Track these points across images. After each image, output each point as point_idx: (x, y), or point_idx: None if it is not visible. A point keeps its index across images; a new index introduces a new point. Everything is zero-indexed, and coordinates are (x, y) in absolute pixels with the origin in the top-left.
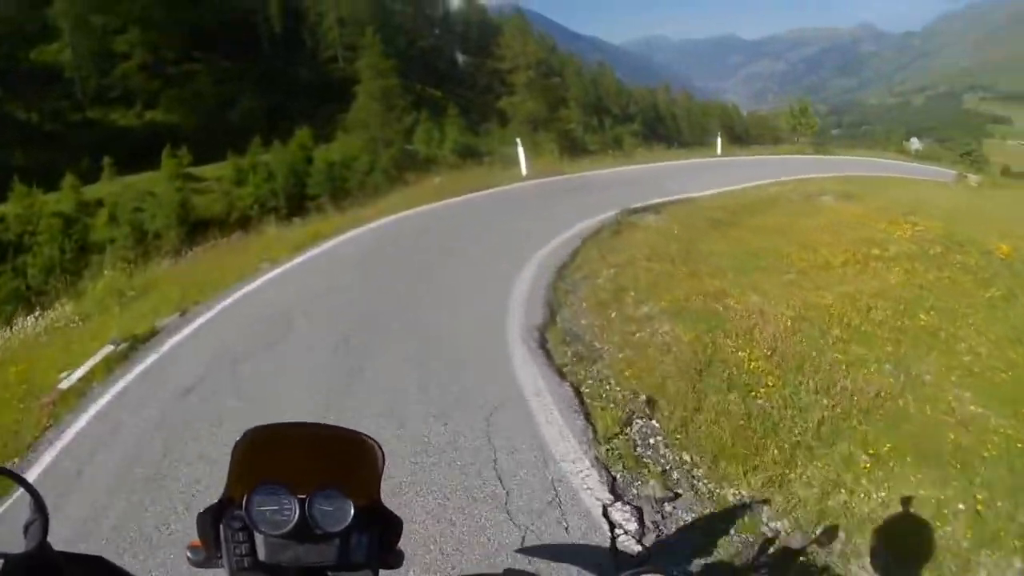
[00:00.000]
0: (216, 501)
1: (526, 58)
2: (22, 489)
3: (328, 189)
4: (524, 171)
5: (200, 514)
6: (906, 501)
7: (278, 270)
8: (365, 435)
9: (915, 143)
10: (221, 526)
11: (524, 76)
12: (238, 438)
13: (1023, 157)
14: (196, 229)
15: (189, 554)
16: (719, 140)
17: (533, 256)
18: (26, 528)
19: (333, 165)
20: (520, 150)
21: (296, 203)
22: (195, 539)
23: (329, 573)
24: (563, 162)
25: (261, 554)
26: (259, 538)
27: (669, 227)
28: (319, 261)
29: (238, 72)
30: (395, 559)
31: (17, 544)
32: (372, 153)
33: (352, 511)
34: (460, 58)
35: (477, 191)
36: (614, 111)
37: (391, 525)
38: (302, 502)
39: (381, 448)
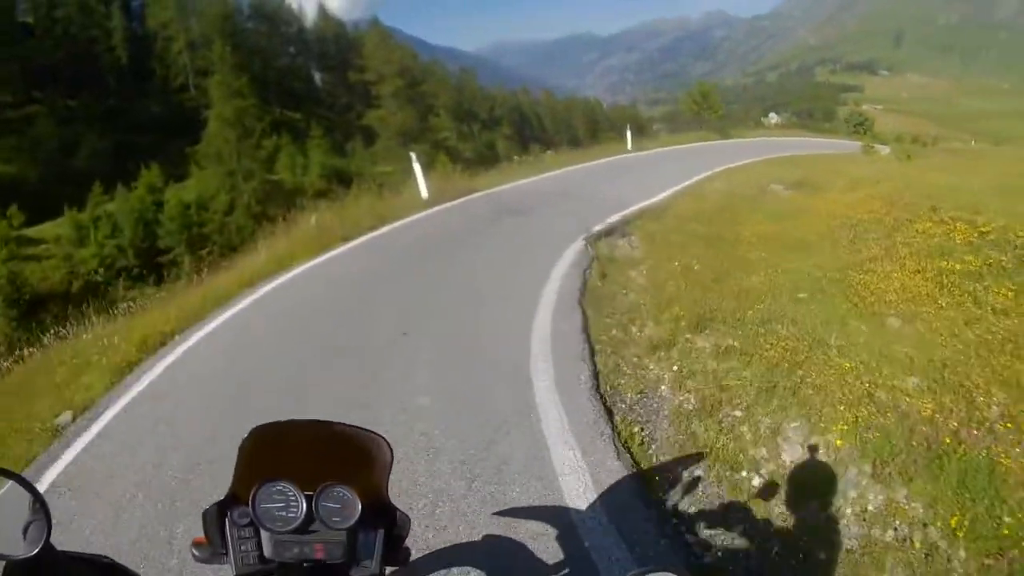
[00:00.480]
0: (222, 498)
1: (391, 67)
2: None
3: (183, 239)
4: (424, 194)
5: (206, 510)
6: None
7: (69, 452)
8: (374, 432)
9: (773, 117)
10: (227, 522)
11: (391, 86)
12: (243, 437)
13: (872, 118)
14: (34, 309)
15: (194, 551)
16: (629, 135)
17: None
18: (25, 530)
19: (188, 208)
20: (417, 168)
21: (149, 259)
22: (200, 536)
23: (336, 571)
24: (464, 177)
25: (267, 551)
26: (265, 535)
27: (660, 257)
28: (139, 424)
29: (83, 110)
30: (402, 556)
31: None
32: (232, 189)
33: (359, 508)
34: (318, 76)
35: (373, 230)
36: (481, 116)
37: (398, 523)
38: (309, 499)
39: (390, 445)
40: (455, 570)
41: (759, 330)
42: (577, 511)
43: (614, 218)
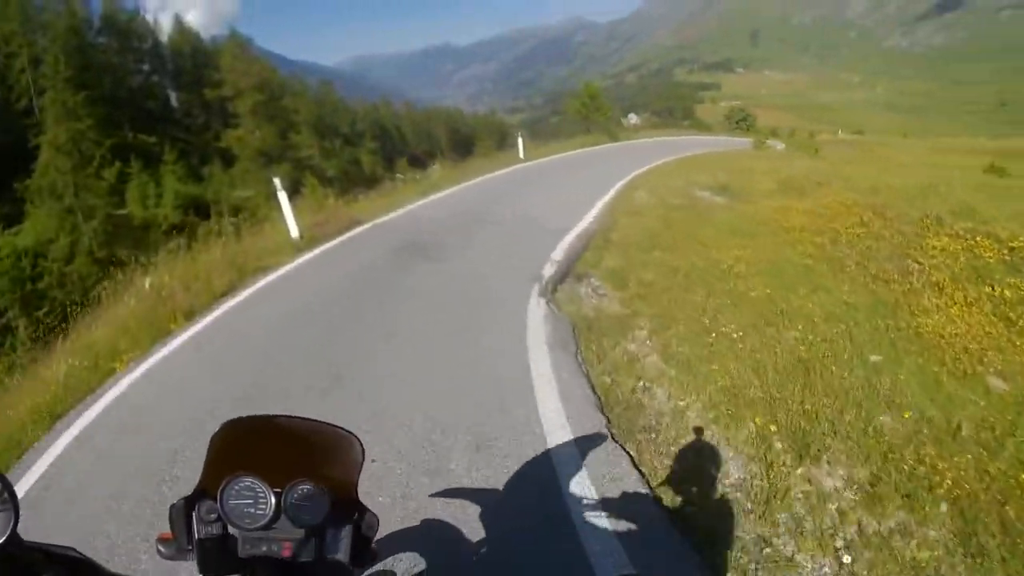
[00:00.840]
0: (189, 493)
1: (249, 80)
2: None
3: (16, 299)
4: (295, 232)
5: (172, 505)
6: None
7: None
8: (345, 430)
9: (632, 118)
10: (194, 518)
11: (250, 100)
12: (215, 431)
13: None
14: None
15: (159, 547)
16: (521, 143)
17: None
18: None
19: (22, 257)
20: (283, 198)
21: None
22: (165, 531)
23: (304, 569)
24: (341, 203)
25: (234, 548)
26: (233, 532)
27: (651, 311)
28: None
29: None
30: (369, 556)
31: None
32: (73, 230)
33: (329, 505)
34: (174, 96)
35: (229, 295)
36: (343, 131)
37: (367, 521)
38: (278, 495)
39: (361, 443)
40: (402, 555)
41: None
42: None
43: (556, 253)
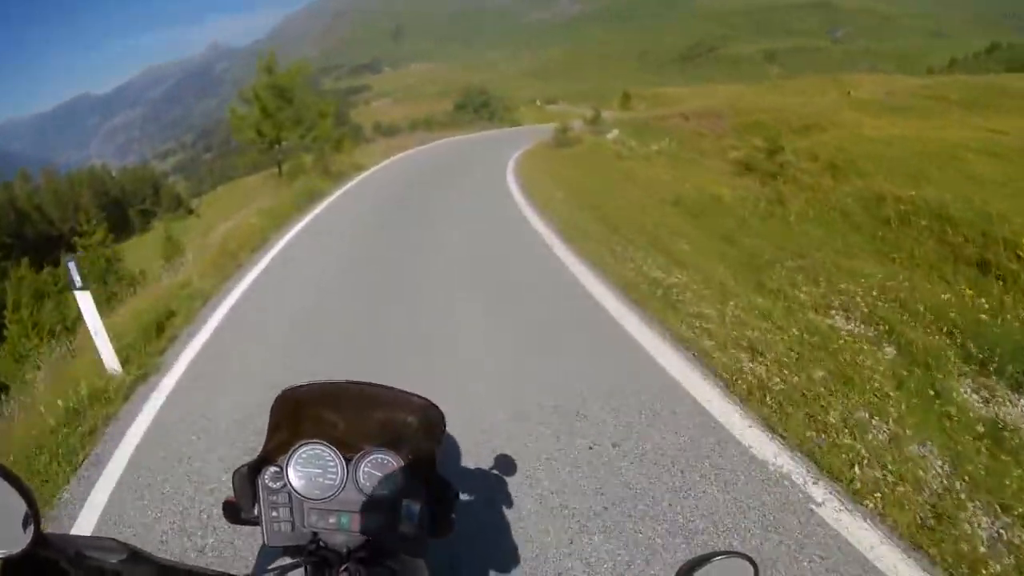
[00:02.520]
0: (254, 458)
1: None
2: None
3: None
4: None
5: (236, 471)
6: None
7: None
8: (425, 399)
9: None
10: (259, 485)
11: None
12: (276, 396)
13: (385, 111)
14: None
15: (225, 512)
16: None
17: None
18: (15, 522)
19: None
20: None
21: None
22: (231, 495)
23: (374, 543)
24: None
25: (301, 519)
26: (298, 501)
27: None
28: None
29: None
30: (446, 528)
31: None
32: None
33: (402, 475)
34: None
35: None
36: None
37: (446, 495)
38: (348, 463)
39: (442, 413)
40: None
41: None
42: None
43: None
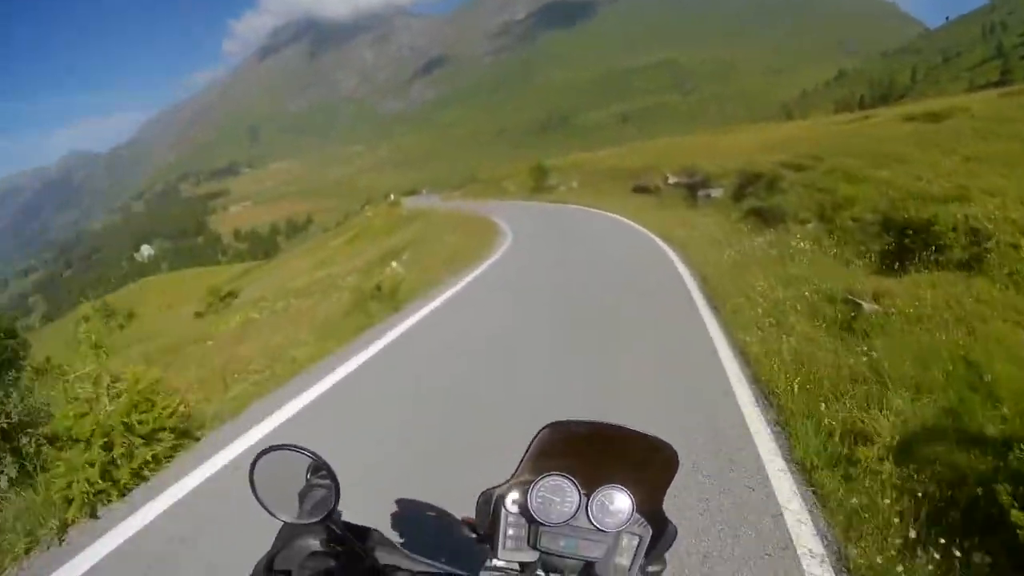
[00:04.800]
0: (501, 483)
1: None
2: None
3: None
4: None
5: (481, 493)
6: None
7: None
8: (663, 441)
9: (146, 249)
10: (502, 508)
11: None
12: (543, 427)
13: (244, 216)
14: None
15: (465, 528)
16: None
17: None
18: (302, 497)
19: None
20: None
21: None
22: (470, 515)
23: (591, 570)
24: None
25: (532, 540)
26: (534, 525)
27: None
28: None
29: None
30: (658, 565)
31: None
32: None
33: (631, 512)
34: None
35: None
36: None
37: (666, 533)
38: (585, 495)
39: (676, 454)
40: None
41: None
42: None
43: None
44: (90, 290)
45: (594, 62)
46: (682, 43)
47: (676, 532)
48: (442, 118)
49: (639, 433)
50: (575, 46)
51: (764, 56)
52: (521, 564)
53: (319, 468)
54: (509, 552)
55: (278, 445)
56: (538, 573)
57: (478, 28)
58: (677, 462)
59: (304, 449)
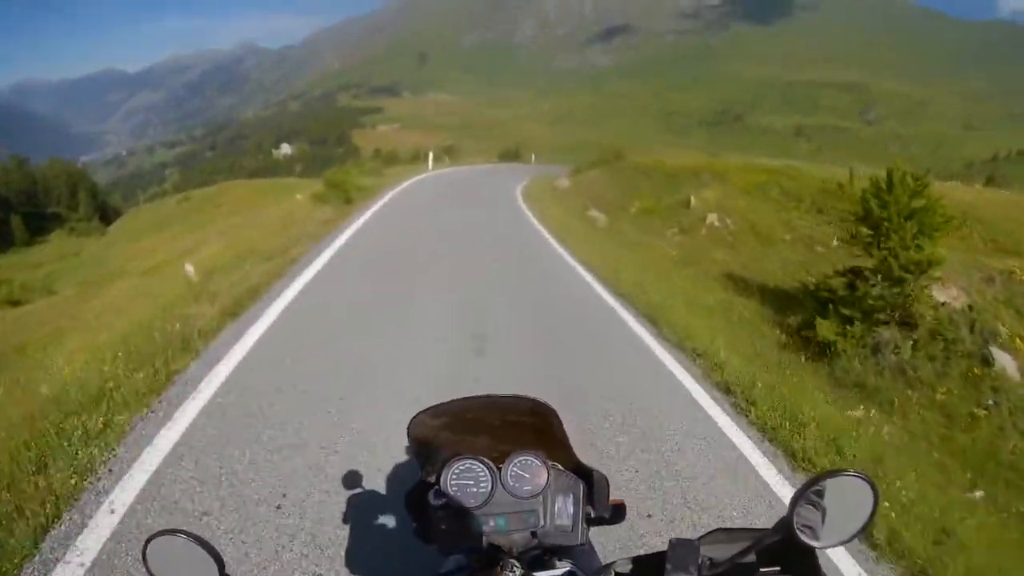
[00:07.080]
0: (416, 482)
1: None
2: None
3: None
4: None
5: (407, 492)
6: None
7: None
8: (531, 398)
9: (285, 148)
10: (428, 505)
11: None
12: (410, 422)
13: (389, 137)
14: None
15: (415, 534)
16: None
17: None
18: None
19: None
20: None
21: None
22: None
23: (541, 541)
24: None
25: (466, 527)
26: (461, 511)
27: None
28: None
29: None
30: (615, 514)
31: None
32: None
33: (547, 473)
34: None
35: None
36: None
37: (595, 482)
38: (496, 471)
39: (551, 408)
40: None
41: None
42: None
43: None
44: (219, 175)
45: (780, 65)
46: (874, 70)
47: (606, 479)
48: (612, 87)
49: (512, 397)
50: (765, 44)
51: (960, 106)
52: (470, 553)
53: (206, 553)
54: (451, 547)
55: (167, 530)
56: (483, 557)
57: (669, 4)
58: (555, 413)
59: (190, 534)
